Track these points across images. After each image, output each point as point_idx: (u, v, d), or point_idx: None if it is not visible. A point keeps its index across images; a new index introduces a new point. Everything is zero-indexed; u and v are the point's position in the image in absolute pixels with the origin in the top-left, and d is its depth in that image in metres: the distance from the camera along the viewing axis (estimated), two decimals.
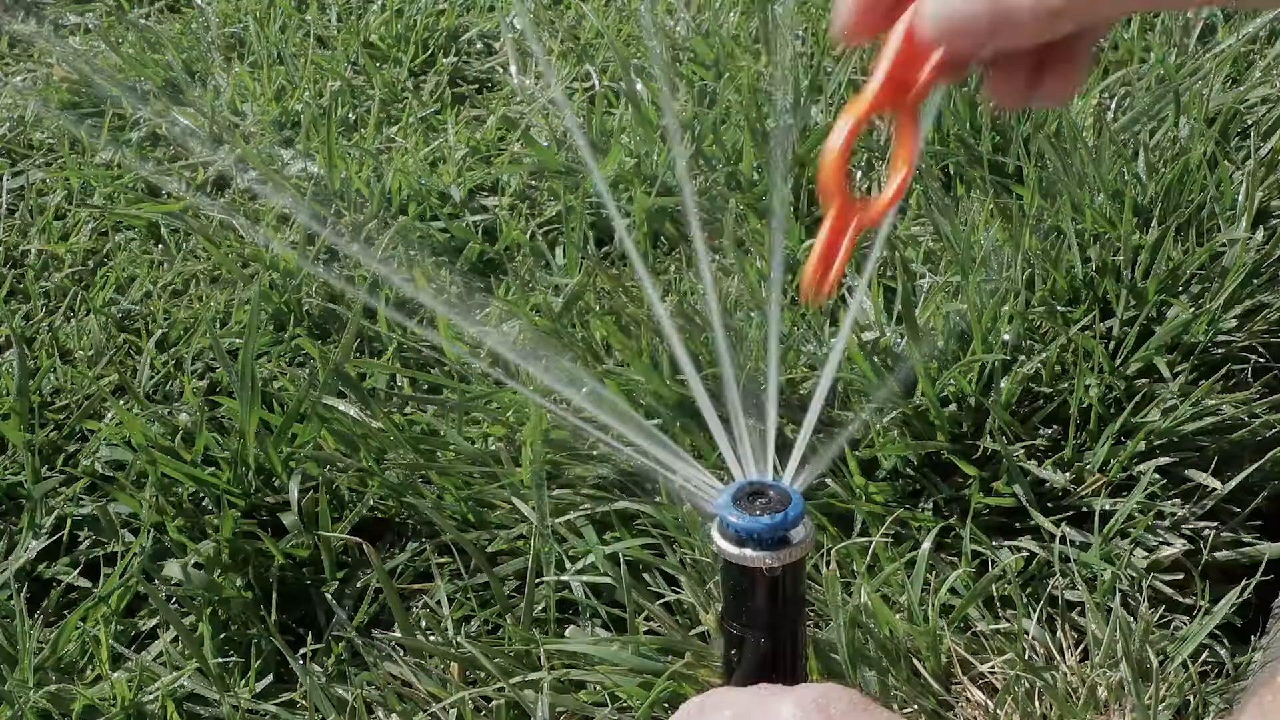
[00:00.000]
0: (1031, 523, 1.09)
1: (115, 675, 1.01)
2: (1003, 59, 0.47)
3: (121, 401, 1.26)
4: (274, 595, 1.06)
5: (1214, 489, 1.10)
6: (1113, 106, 1.55)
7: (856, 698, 0.52)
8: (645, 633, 1.01)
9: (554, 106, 1.66)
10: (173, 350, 1.34)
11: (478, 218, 1.51)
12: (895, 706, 0.96)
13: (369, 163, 1.58)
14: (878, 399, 1.14)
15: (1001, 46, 0.45)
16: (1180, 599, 1.05)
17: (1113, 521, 1.07)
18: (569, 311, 1.31)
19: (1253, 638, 1.05)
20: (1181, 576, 1.06)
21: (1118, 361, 1.20)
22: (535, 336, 1.27)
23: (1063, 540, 1.07)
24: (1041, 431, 1.16)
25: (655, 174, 1.51)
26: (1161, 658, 0.99)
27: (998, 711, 0.95)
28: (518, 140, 1.61)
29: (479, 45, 1.88)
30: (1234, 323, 1.24)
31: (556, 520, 1.08)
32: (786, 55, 1.62)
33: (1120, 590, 1.04)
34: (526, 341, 1.27)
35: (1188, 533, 1.09)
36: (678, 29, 1.79)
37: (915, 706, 0.96)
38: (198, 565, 1.08)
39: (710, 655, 0.97)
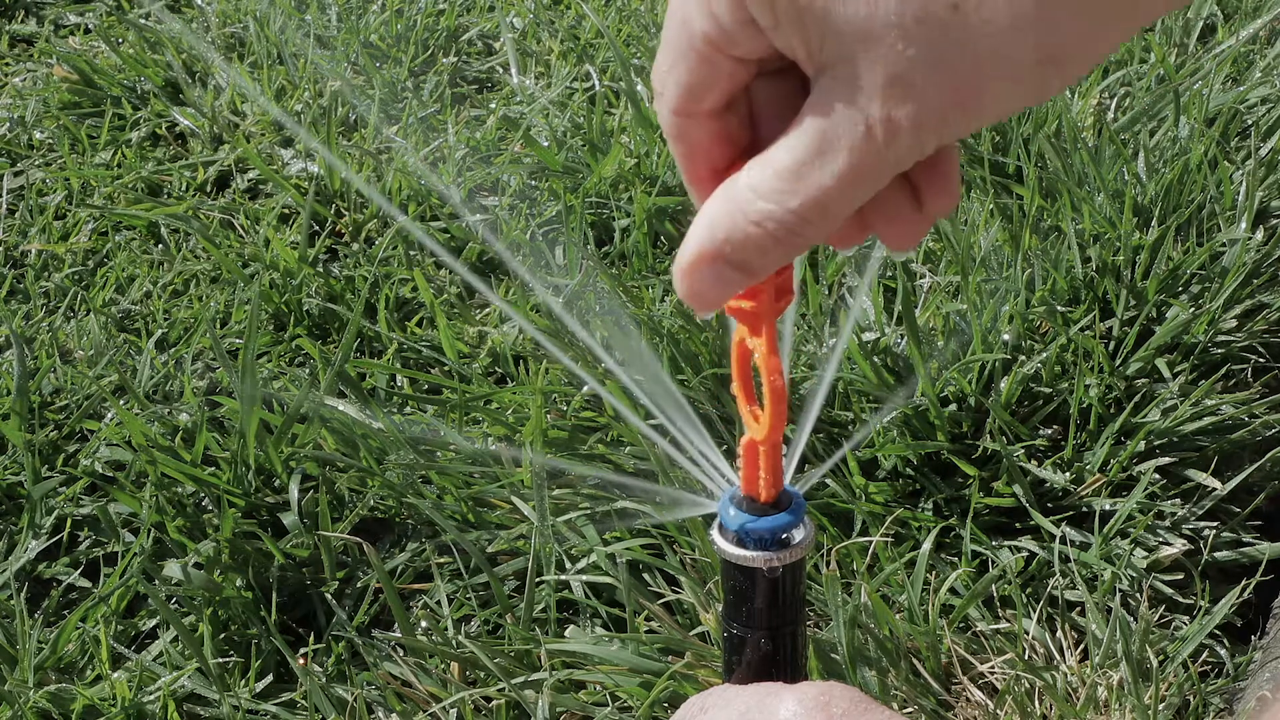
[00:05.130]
0: (1031, 523, 1.09)
1: (115, 675, 1.01)
2: (876, 216, 0.45)
3: (121, 401, 1.26)
4: (274, 595, 1.06)
5: (1214, 489, 1.10)
6: (1113, 106, 1.55)
7: (858, 696, 0.52)
8: (645, 633, 1.01)
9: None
10: (173, 350, 1.34)
11: (478, 218, 1.51)
12: (895, 706, 0.96)
13: (369, 163, 1.58)
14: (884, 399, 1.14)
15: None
16: (1180, 599, 1.05)
17: (1113, 521, 1.07)
18: (569, 311, 1.31)
19: (1253, 638, 1.05)
20: (1181, 576, 1.06)
21: (1118, 361, 1.20)
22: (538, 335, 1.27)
23: (1063, 540, 1.07)
24: (1041, 431, 1.16)
25: (655, 174, 1.51)
26: (1161, 658, 0.99)
27: (998, 711, 0.95)
28: (518, 140, 1.61)
29: (479, 45, 1.88)
30: (1234, 323, 1.24)
31: (556, 520, 1.08)
32: None
33: (1120, 590, 1.04)
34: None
35: (1188, 533, 1.09)
36: None
37: (915, 706, 0.96)
38: (198, 565, 1.08)
39: (710, 655, 0.97)
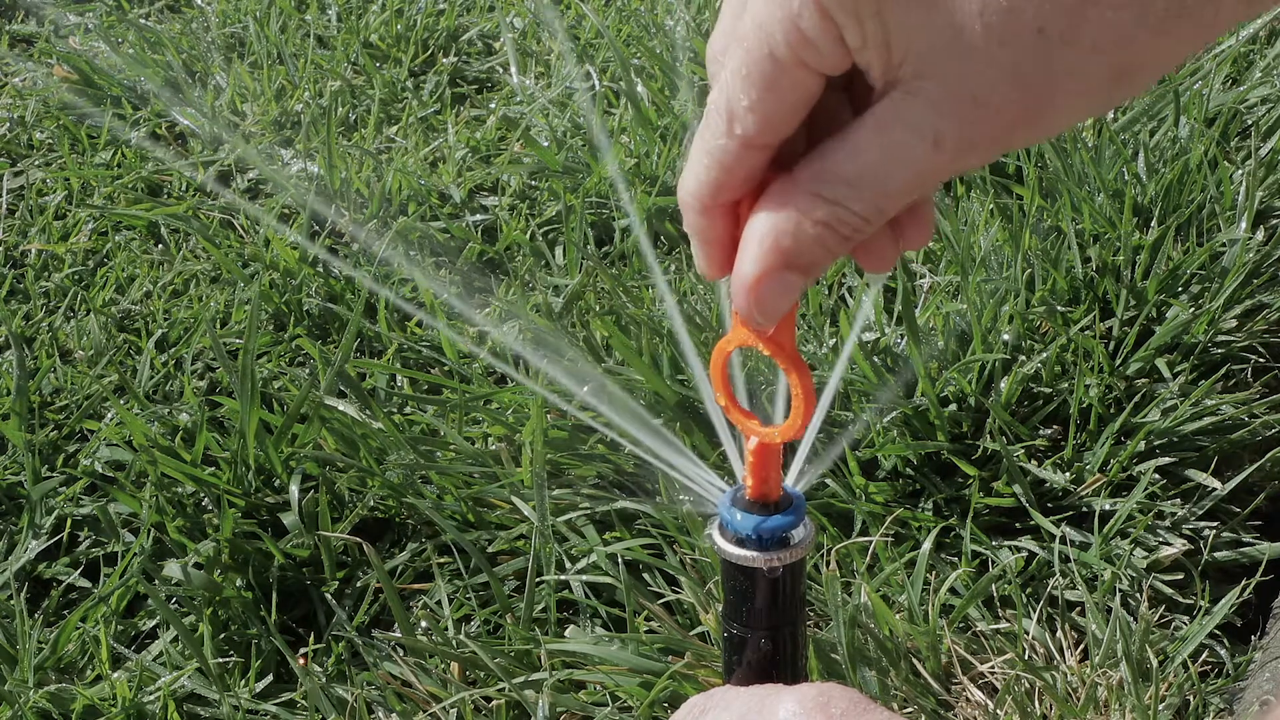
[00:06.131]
0: (1031, 523, 1.09)
1: (115, 675, 1.01)
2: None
3: (121, 401, 1.26)
4: (274, 595, 1.06)
5: (1214, 489, 1.10)
6: None
7: (857, 697, 0.53)
8: (645, 633, 1.01)
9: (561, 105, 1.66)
10: (173, 350, 1.34)
11: (478, 218, 1.51)
12: (895, 706, 0.96)
13: (369, 163, 1.58)
14: (881, 397, 1.14)
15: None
16: (1180, 599, 1.05)
17: (1113, 521, 1.07)
18: (569, 311, 1.31)
19: (1253, 638, 1.05)
20: (1181, 576, 1.06)
21: (1118, 361, 1.20)
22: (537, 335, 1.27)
23: (1063, 540, 1.07)
24: (1041, 431, 1.16)
25: (655, 174, 1.51)
26: (1161, 658, 0.99)
27: (998, 711, 0.95)
28: (518, 140, 1.61)
29: (479, 45, 1.88)
30: (1234, 323, 1.24)
31: (557, 520, 1.08)
32: None
33: (1120, 590, 1.04)
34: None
35: (1188, 533, 1.09)
36: (678, 29, 1.79)
37: (915, 706, 0.96)
38: (198, 565, 1.08)
39: (710, 655, 0.97)
